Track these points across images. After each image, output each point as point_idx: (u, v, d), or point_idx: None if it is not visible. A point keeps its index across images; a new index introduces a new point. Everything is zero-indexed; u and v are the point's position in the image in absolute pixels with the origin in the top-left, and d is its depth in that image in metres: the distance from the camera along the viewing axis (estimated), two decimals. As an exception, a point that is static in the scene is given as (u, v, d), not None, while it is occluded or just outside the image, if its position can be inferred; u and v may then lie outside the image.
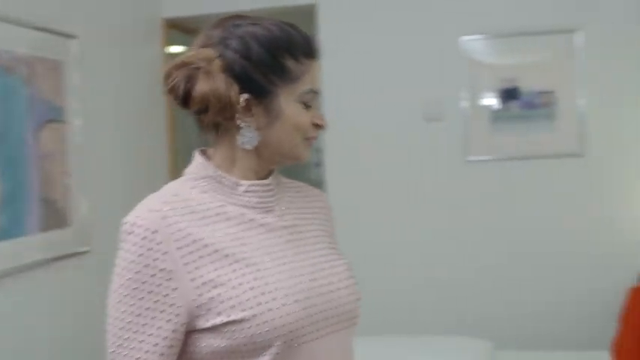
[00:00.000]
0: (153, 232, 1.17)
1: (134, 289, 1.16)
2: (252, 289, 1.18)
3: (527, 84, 3.74)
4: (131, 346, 1.16)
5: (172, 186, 1.29)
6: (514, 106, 3.76)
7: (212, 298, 1.17)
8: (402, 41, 3.89)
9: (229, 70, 1.23)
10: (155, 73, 3.57)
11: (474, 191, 3.84)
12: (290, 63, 1.25)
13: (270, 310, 1.18)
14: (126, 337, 1.16)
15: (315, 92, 1.29)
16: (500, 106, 3.78)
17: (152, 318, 1.16)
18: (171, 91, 1.25)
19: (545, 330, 3.71)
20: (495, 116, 3.79)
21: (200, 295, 1.17)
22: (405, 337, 3.38)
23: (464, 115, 3.81)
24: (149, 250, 1.17)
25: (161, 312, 1.16)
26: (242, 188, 1.28)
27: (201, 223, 1.22)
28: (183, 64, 1.23)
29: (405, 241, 3.87)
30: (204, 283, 1.17)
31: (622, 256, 3.55)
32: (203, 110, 1.23)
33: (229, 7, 3.34)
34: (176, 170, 3.83)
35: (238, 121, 1.24)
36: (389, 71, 3.91)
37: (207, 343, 1.18)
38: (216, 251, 1.20)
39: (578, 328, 3.64)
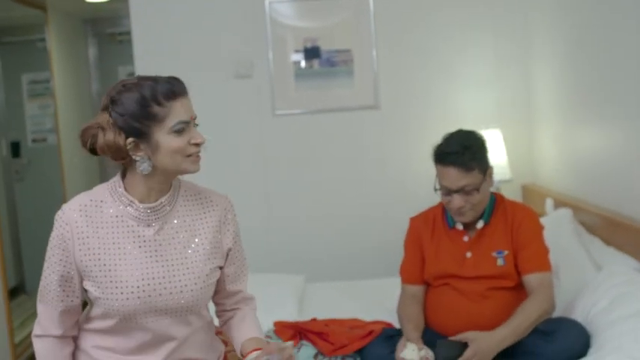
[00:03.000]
0: (66, 223, 1.80)
1: (51, 248, 1.84)
2: (106, 282, 1.78)
3: (327, 44, 4.12)
4: (46, 273, 1.85)
5: (95, 190, 1.85)
6: (316, 63, 4.14)
7: (85, 271, 1.80)
8: (214, 6, 4.12)
9: (116, 124, 1.75)
10: None
11: (283, 142, 4.20)
12: (156, 109, 1.74)
13: (114, 299, 1.78)
14: (46, 267, 1.85)
15: (183, 122, 1.76)
16: (304, 64, 4.14)
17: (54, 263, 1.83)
18: (84, 145, 1.79)
19: (349, 263, 4.17)
20: (299, 73, 4.14)
21: (81, 262, 1.80)
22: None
23: (271, 72, 4.13)
24: (61, 230, 1.81)
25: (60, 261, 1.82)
26: (134, 207, 1.80)
27: (99, 224, 1.80)
28: (88, 128, 1.78)
29: (220, 188, 4.13)
30: (81, 261, 1.80)
31: (407, 192, 4.07)
32: (107, 154, 1.76)
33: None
34: None
35: (133, 157, 1.75)
36: (202, 35, 4.13)
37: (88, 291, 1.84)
38: (96, 249, 1.79)
39: (378, 259, 4.12)
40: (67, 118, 5.83)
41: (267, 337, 2.63)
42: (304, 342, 2.62)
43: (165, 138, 1.74)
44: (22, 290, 5.67)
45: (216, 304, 2.02)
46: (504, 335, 2.33)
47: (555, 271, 2.71)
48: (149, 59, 4.12)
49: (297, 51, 4.12)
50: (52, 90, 5.62)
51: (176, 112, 1.76)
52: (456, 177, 2.50)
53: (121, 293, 1.78)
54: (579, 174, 3.45)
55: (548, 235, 2.65)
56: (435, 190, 2.60)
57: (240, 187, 4.16)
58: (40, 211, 5.68)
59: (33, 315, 5.07)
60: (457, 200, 2.52)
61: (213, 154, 4.09)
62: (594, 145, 3.23)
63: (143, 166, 1.76)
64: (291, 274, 3.70)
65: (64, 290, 1.83)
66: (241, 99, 4.15)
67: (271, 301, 3.05)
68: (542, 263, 2.54)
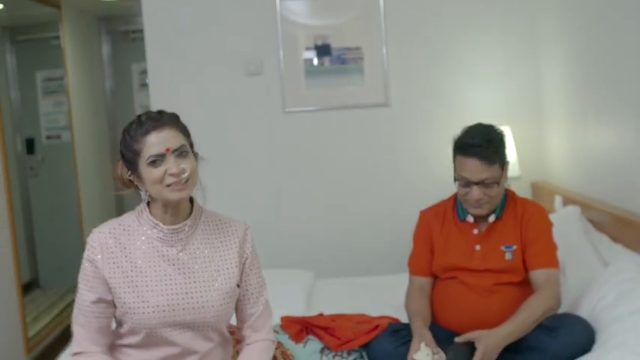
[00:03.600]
0: (98, 244, 1.97)
1: (83, 269, 1.98)
2: (133, 297, 1.94)
3: (338, 41, 4.14)
4: (80, 293, 1.97)
5: (123, 217, 2.04)
6: (326, 61, 4.16)
7: (114, 288, 1.95)
8: (226, 4, 4.16)
9: (122, 158, 1.97)
10: None
11: (294, 139, 4.22)
12: (135, 145, 1.92)
13: (141, 313, 1.93)
14: (80, 288, 1.98)
15: (155, 155, 1.90)
16: (315, 62, 4.17)
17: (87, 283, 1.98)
18: (116, 180, 2.03)
19: (358, 260, 4.20)
20: (310, 71, 4.17)
21: (110, 279, 1.96)
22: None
23: (281, 70, 4.15)
24: (92, 251, 1.97)
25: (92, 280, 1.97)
26: (159, 229, 1.98)
27: (126, 245, 1.97)
28: (117, 161, 2.02)
29: (231, 187, 4.19)
30: (110, 278, 1.95)
31: (417, 189, 4.09)
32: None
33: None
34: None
35: (137, 186, 1.98)
36: (214, 32, 4.17)
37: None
38: (124, 266, 1.95)
39: (388, 256, 4.14)
40: (80, 116, 5.89)
41: (275, 331, 2.66)
42: (310, 337, 2.65)
43: (145, 170, 1.93)
44: (35, 285, 5.73)
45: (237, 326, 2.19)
46: (510, 331, 2.35)
47: (562, 268, 2.73)
48: (161, 57, 4.17)
49: (307, 49, 4.15)
50: (66, 87, 5.67)
51: (149, 146, 1.92)
52: (478, 169, 2.52)
53: (147, 307, 1.94)
54: (588, 171, 3.45)
55: (556, 232, 2.66)
56: (455, 180, 2.61)
57: (250, 184, 4.21)
58: (54, 208, 5.75)
59: (46, 310, 5.17)
60: (476, 192, 2.54)
61: (224, 150, 4.18)
62: (603, 143, 3.24)
63: (142, 195, 2.00)
64: (301, 270, 3.72)
65: (97, 308, 1.97)
66: (252, 97, 4.19)
67: (280, 297, 3.07)
68: (550, 260, 2.55)
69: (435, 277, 2.72)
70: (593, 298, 2.49)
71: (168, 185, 1.92)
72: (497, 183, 2.53)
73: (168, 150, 1.92)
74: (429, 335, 2.42)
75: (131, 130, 1.94)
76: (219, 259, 2.04)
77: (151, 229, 1.99)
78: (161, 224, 1.99)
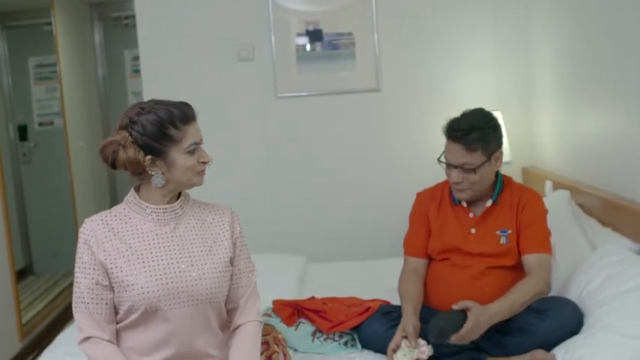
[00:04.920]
0: (91, 230, 2.01)
1: (78, 257, 2.01)
2: (130, 271, 1.96)
3: (330, 27, 4.15)
4: (77, 281, 2.00)
5: (113, 208, 2.08)
6: (318, 46, 4.17)
7: (110, 269, 1.97)
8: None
9: (136, 142, 1.97)
10: None
11: (286, 123, 4.24)
12: (173, 132, 1.97)
13: (139, 287, 1.95)
14: (76, 276, 2.01)
15: (196, 144, 2.00)
16: (307, 48, 4.17)
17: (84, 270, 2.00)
18: (105, 160, 2.00)
19: (351, 245, 4.22)
20: (302, 56, 4.18)
21: (106, 260, 1.98)
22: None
23: (273, 55, 4.16)
24: (85, 237, 2.01)
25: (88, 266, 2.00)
26: (150, 210, 2.04)
27: (119, 229, 2.01)
28: (109, 143, 1.98)
29: (223, 171, 4.21)
30: (105, 259, 1.98)
31: (409, 173, 4.13)
32: (126, 169, 1.99)
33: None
34: None
35: (149, 171, 2.00)
36: (206, 18, 4.18)
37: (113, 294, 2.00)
38: (119, 246, 1.99)
39: (380, 241, 4.17)
40: (73, 102, 5.88)
41: (267, 315, 2.69)
42: (302, 320, 2.67)
43: (180, 157, 2.00)
44: (29, 272, 5.74)
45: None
46: (499, 309, 2.37)
47: (553, 252, 2.76)
48: (153, 43, 4.18)
49: (299, 34, 4.16)
50: (58, 74, 5.66)
51: (190, 135, 2.00)
52: (457, 154, 2.56)
53: (144, 282, 1.96)
54: (578, 157, 3.48)
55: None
56: (439, 161, 2.65)
57: (242, 168, 4.23)
58: (47, 194, 5.75)
59: (40, 296, 5.18)
60: (454, 175, 2.59)
61: (217, 136, 4.18)
62: (593, 129, 3.26)
63: (157, 180, 2.01)
64: (293, 255, 3.75)
65: (96, 294, 1.99)
66: (244, 82, 4.20)
67: (272, 280, 3.11)
68: (543, 245, 2.58)
69: (430, 259, 2.75)
70: (581, 281, 2.53)
71: (198, 172, 2.03)
72: (475, 170, 2.55)
73: (201, 140, 2.05)
74: (411, 327, 2.41)
75: (167, 115, 1.97)
76: (211, 235, 2.10)
77: (143, 211, 2.04)
78: (151, 206, 2.04)
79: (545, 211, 2.66)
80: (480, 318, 2.33)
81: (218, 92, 4.20)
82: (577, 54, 3.41)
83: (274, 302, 2.80)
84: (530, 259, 2.56)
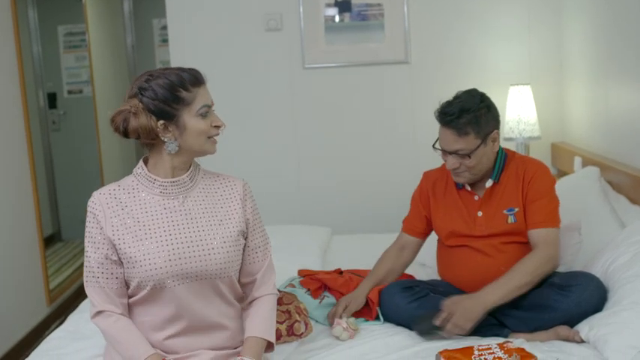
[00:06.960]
0: (99, 204, 1.98)
1: (87, 231, 1.99)
2: (139, 246, 1.94)
3: (358, -2, 4.12)
4: (87, 255, 1.98)
5: (121, 180, 2.05)
6: (347, 17, 4.14)
7: (118, 244, 1.95)
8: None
9: (147, 109, 1.94)
10: None
11: (313, 94, 4.22)
12: (184, 94, 1.95)
13: (148, 263, 1.92)
14: (86, 250, 1.99)
15: (207, 106, 1.98)
16: (336, 19, 4.14)
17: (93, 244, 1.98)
18: (116, 129, 1.98)
19: (375, 217, 4.21)
20: (330, 27, 4.15)
21: (114, 235, 1.96)
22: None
23: (301, 26, 4.14)
24: (93, 212, 1.98)
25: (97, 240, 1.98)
26: (158, 183, 2.00)
27: (127, 203, 1.98)
28: (120, 112, 1.95)
29: (250, 141, 4.21)
30: (114, 234, 1.95)
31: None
32: (138, 137, 1.95)
33: None
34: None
35: (162, 138, 1.96)
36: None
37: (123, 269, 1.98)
38: (127, 220, 1.96)
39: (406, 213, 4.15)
40: (101, 70, 5.91)
41: (291, 285, 2.70)
42: (327, 293, 2.68)
43: (191, 120, 1.96)
44: (57, 238, 5.83)
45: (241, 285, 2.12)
46: (488, 292, 2.35)
47: (577, 227, 2.72)
48: (181, 12, 4.16)
49: (328, 5, 4.12)
50: (87, 42, 5.69)
51: (201, 97, 1.98)
52: (450, 140, 2.51)
53: (153, 257, 1.93)
54: (609, 133, 3.42)
55: (573, 193, 2.64)
56: (434, 148, 2.60)
57: (269, 139, 4.22)
58: (76, 161, 5.81)
59: (68, 262, 5.25)
60: (451, 161, 2.53)
61: (244, 106, 4.19)
62: (624, 104, 3.20)
63: (171, 147, 1.97)
64: (318, 226, 3.75)
65: (107, 268, 1.96)
66: (272, 52, 4.18)
67: (297, 250, 3.13)
68: (549, 219, 2.51)
69: (439, 240, 2.72)
70: (607, 258, 2.49)
71: (210, 137, 2.00)
72: (470, 155, 2.48)
73: (212, 103, 2.01)
74: (354, 307, 2.53)
75: (178, 78, 1.95)
76: (221, 209, 2.05)
77: (151, 184, 2.01)
78: (160, 178, 2.01)
79: (553, 182, 2.58)
80: (460, 307, 2.31)
81: (246, 62, 4.19)
82: (610, 27, 3.34)
83: (300, 272, 2.81)
84: (535, 235, 2.50)
